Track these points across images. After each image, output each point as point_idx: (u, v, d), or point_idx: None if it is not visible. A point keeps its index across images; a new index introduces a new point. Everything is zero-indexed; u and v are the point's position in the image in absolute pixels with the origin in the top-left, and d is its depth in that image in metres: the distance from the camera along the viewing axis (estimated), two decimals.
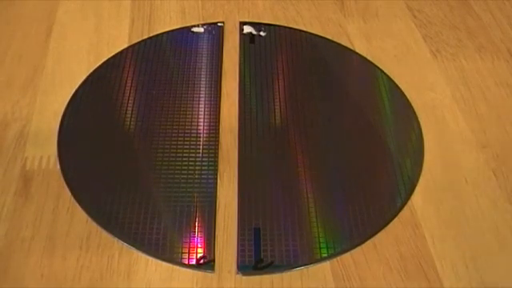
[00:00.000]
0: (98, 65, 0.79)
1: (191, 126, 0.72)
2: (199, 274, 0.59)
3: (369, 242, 0.61)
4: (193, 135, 0.71)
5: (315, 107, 0.75)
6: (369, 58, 0.82)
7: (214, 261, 0.59)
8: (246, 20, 0.87)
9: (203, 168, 0.67)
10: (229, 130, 0.72)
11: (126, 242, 0.60)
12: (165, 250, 0.60)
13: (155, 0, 0.90)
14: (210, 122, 0.72)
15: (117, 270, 0.58)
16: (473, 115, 0.75)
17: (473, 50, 0.84)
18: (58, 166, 0.67)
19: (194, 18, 0.88)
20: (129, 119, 0.72)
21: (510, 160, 0.69)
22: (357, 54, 0.83)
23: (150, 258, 0.59)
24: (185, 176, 0.66)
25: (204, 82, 0.78)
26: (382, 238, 0.62)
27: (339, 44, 0.84)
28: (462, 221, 0.63)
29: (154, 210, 0.63)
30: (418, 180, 0.67)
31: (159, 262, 0.59)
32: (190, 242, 0.61)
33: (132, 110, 0.73)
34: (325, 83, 0.78)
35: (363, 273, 0.59)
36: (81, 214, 0.63)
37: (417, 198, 0.65)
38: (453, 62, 0.82)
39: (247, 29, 0.86)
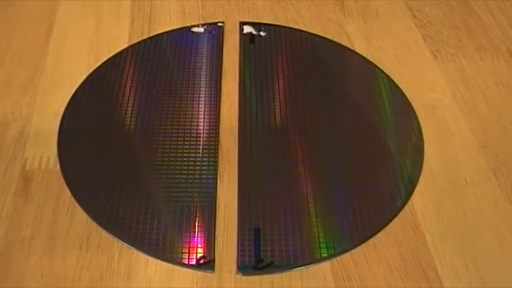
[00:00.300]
0: (98, 65, 0.79)
1: (191, 126, 0.72)
2: (199, 273, 0.59)
3: (369, 242, 0.61)
4: (193, 135, 0.71)
5: (315, 107, 0.75)
6: (369, 58, 0.82)
7: (213, 261, 0.59)
8: (246, 20, 0.87)
9: (203, 168, 0.67)
10: (229, 130, 0.72)
11: (126, 241, 0.60)
12: (165, 250, 0.60)
13: (155, 0, 0.90)
14: (210, 122, 0.72)
15: (117, 270, 0.58)
16: (473, 115, 0.75)
17: (473, 50, 0.84)
18: (58, 166, 0.67)
19: (194, 18, 0.88)
20: (129, 119, 0.72)
21: (510, 160, 0.69)
22: (357, 53, 0.83)
23: (150, 258, 0.59)
24: (185, 176, 0.66)
25: (204, 82, 0.78)
26: (382, 238, 0.62)
27: (339, 44, 0.84)
28: (462, 221, 0.63)
29: (154, 209, 0.63)
30: (417, 180, 0.67)
31: (159, 261, 0.59)
32: (190, 242, 0.61)
33: (132, 110, 0.73)
34: (325, 83, 0.78)
35: (363, 273, 0.59)
36: (81, 214, 0.63)
37: (417, 198, 0.65)
38: (453, 62, 0.82)
39: (247, 29, 0.86)
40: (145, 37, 0.84)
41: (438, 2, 0.92)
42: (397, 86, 0.78)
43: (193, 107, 0.74)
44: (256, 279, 0.58)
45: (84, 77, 0.77)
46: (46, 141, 0.70)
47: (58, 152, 0.68)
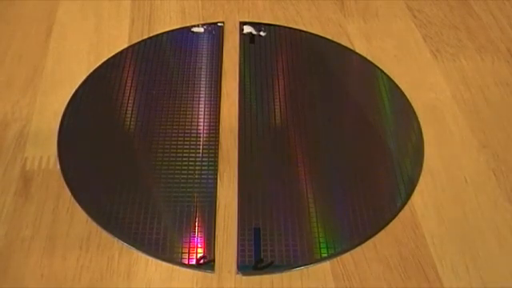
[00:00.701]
0: (98, 65, 0.79)
1: (191, 126, 0.72)
2: (199, 274, 0.59)
3: (369, 242, 0.61)
4: (193, 135, 0.71)
5: (315, 107, 0.75)
6: (369, 58, 0.82)
7: (214, 261, 0.59)
8: (246, 20, 0.87)
9: (203, 168, 0.67)
10: (229, 130, 0.72)
11: (126, 241, 0.60)
12: (165, 249, 0.60)
13: (155, 0, 0.90)
14: (210, 122, 0.72)
15: (117, 270, 0.58)
16: (473, 115, 0.75)
17: (473, 50, 0.84)
18: (58, 166, 0.67)
19: (194, 18, 0.88)
20: (129, 119, 0.72)
21: (510, 160, 0.69)
22: (357, 54, 0.83)
23: (150, 258, 0.59)
24: (185, 176, 0.66)
25: (204, 82, 0.78)
26: (382, 237, 0.62)
27: (339, 44, 0.84)
28: (462, 221, 0.63)
29: (154, 210, 0.63)
30: (417, 180, 0.67)
31: (159, 261, 0.59)
32: (190, 242, 0.61)
33: (132, 110, 0.73)
34: (325, 83, 0.78)
35: (363, 273, 0.59)
36: (81, 214, 0.63)
37: (417, 198, 0.65)
38: (453, 62, 0.82)
39: (247, 29, 0.86)
40: (145, 37, 0.84)
41: (438, 2, 0.92)
42: (397, 85, 0.78)
43: (193, 107, 0.74)
44: (256, 279, 0.58)
45: (84, 77, 0.77)
46: (45, 141, 0.70)
47: (58, 152, 0.68)
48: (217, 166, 0.68)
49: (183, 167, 0.67)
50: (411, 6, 0.91)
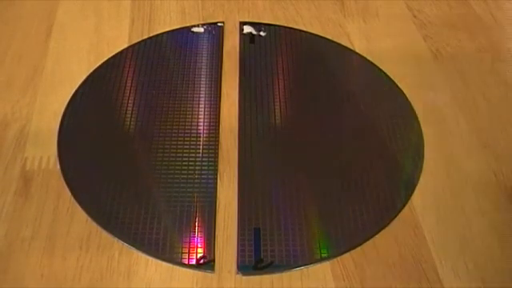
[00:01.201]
0: (98, 65, 0.79)
1: (191, 126, 0.72)
2: (199, 274, 0.59)
3: (369, 242, 0.61)
4: (193, 135, 0.71)
5: (315, 107, 0.75)
6: (369, 58, 0.82)
7: (214, 261, 0.59)
8: (246, 20, 0.87)
9: (203, 168, 0.67)
10: (229, 130, 0.72)
11: (126, 242, 0.60)
12: (165, 249, 0.60)
13: (155, 0, 0.90)
14: (210, 122, 0.72)
15: (117, 269, 0.58)
16: (473, 115, 0.75)
17: (473, 50, 0.84)
18: (58, 166, 0.67)
19: (194, 18, 0.88)
20: (129, 119, 0.72)
21: (510, 160, 0.69)
22: (357, 54, 0.83)
23: (150, 258, 0.59)
24: (185, 176, 0.66)
25: (204, 82, 0.78)
26: (382, 237, 0.62)
27: (339, 44, 0.84)
28: (462, 221, 0.63)
29: (154, 209, 0.63)
30: (418, 180, 0.67)
31: (159, 261, 0.59)
32: (190, 242, 0.61)
33: (132, 110, 0.73)
34: (325, 83, 0.78)
35: (363, 273, 0.59)
36: (81, 214, 0.63)
37: (417, 198, 0.65)
38: (453, 62, 0.82)
39: (247, 29, 0.86)
40: (145, 37, 0.84)
41: (438, 2, 0.92)
42: (397, 85, 0.78)
43: (193, 107, 0.74)
44: (256, 279, 0.58)
45: (84, 77, 0.77)
46: (46, 141, 0.70)
47: (58, 152, 0.68)
48: (217, 166, 0.68)
49: (183, 167, 0.67)
50: (411, 6, 0.91)
